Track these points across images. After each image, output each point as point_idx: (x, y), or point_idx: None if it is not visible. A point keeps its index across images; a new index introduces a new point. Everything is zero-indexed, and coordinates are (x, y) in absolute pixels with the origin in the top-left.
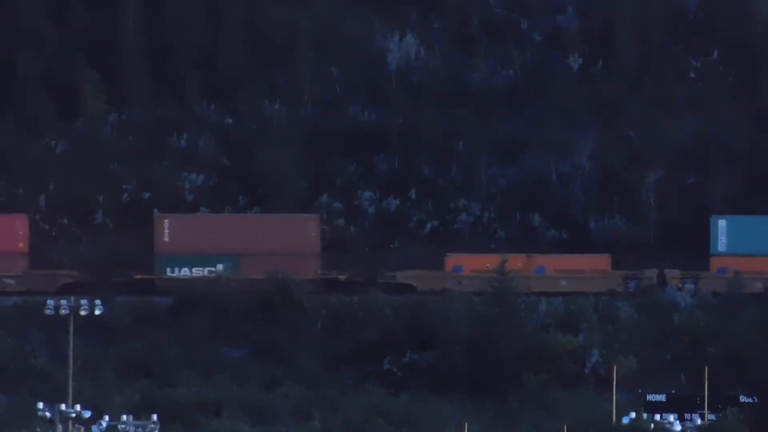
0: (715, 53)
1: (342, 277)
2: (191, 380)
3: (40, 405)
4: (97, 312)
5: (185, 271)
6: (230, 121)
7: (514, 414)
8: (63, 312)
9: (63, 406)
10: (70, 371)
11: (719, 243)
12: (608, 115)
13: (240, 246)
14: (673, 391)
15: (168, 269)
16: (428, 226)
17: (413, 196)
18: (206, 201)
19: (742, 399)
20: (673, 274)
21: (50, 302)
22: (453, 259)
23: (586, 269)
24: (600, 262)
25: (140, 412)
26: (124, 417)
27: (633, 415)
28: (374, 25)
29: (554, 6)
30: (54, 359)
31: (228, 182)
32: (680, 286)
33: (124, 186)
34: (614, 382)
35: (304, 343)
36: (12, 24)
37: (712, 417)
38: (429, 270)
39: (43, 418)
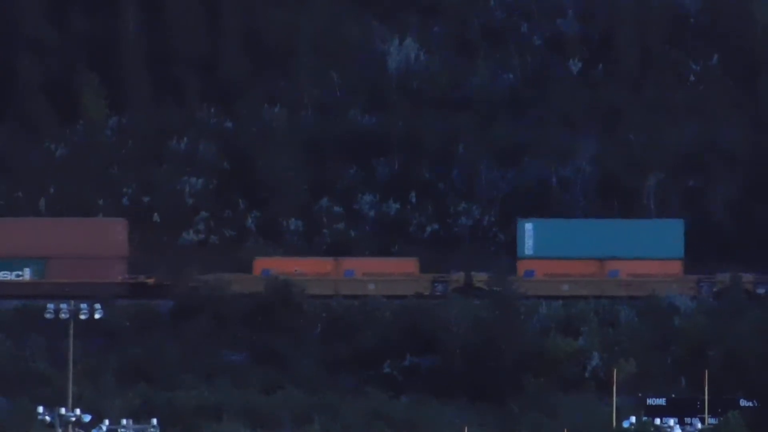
0: (715, 57)
1: (150, 281)
2: (191, 384)
3: (40, 409)
4: (96, 316)
5: None
6: (230, 125)
7: (515, 418)
8: (63, 316)
9: (63, 410)
10: (70, 375)
11: (526, 246)
12: (608, 119)
13: (47, 250)
14: (674, 395)
15: None
16: (428, 229)
17: (413, 200)
18: (206, 205)
19: (743, 403)
20: (479, 276)
21: (50, 306)
22: (262, 263)
23: (394, 272)
24: (408, 265)
25: (140, 416)
26: (124, 421)
27: (633, 419)
28: (374, 30)
29: (554, 10)
30: (54, 363)
31: (228, 186)
32: (488, 288)
33: (124, 190)
34: (614, 386)
35: (304, 347)
36: (13, 28)
37: (712, 421)
38: (237, 273)
39: (43, 422)
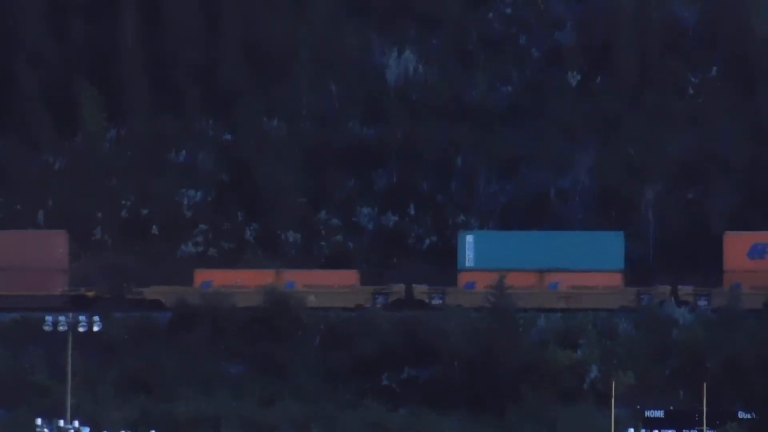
0: (714, 69)
1: (90, 294)
2: (190, 396)
3: (39, 421)
4: (95, 328)
5: None
6: (229, 136)
7: (513, 429)
8: (61, 328)
9: (61, 422)
10: (69, 387)
11: (467, 258)
12: (607, 130)
13: None
14: (672, 407)
15: None
16: (427, 242)
17: (412, 212)
18: (205, 217)
19: (741, 415)
20: (420, 288)
21: (49, 318)
22: (202, 274)
23: (335, 284)
24: (349, 277)
25: (139, 428)
26: None
27: (631, 430)
28: (373, 41)
29: (553, 22)
30: (53, 375)
31: (227, 198)
32: (427, 300)
33: (123, 202)
34: (613, 398)
35: (302, 359)
36: (12, 40)
37: None
38: (177, 286)
39: None
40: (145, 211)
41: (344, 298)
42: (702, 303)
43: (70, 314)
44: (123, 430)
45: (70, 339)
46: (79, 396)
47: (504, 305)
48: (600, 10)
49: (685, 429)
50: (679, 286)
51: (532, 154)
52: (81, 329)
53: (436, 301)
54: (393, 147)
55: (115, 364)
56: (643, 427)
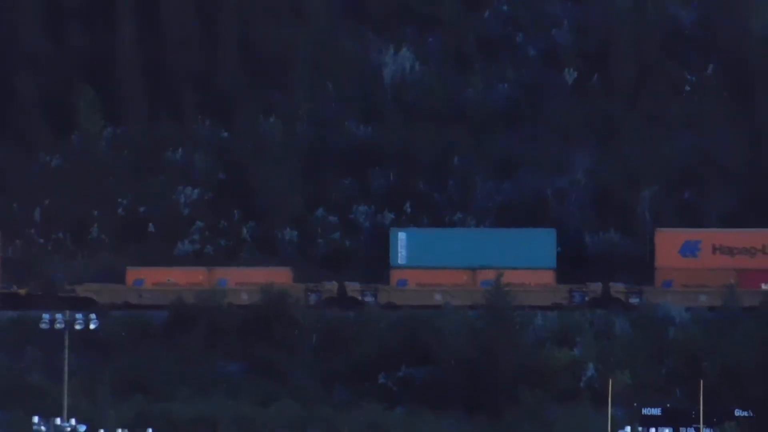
0: (711, 69)
1: (22, 292)
2: (187, 396)
3: (36, 420)
4: (92, 326)
5: None
6: (226, 135)
7: (510, 429)
8: (58, 326)
9: (58, 421)
10: (65, 386)
11: (399, 256)
12: (604, 131)
13: None
14: (669, 405)
15: None
16: None
17: (408, 210)
18: (202, 215)
19: (738, 413)
20: (352, 286)
21: (46, 316)
22: (134, 273)
23: (267, 282)
24: (281, 275)
25: (136, 428)
26: None
27: (628, 429)
28: (370, 42)
29: (550, 22)
30: (49, 375)
31: (223, 197)
32: (360, 298)
33: (120, 200)
34: (609, 397)
35: (299, 359)
36: (9, 41)
37: (708, 431)
38: (109, 283)
39: None
40: (141, 209)
41: None
42: (633, 300)
43: (67, 312)
44: (119, 429)
45: (66, 338)
46: (76, 396)
47: (501, 304)
48: (596, 10)
49: (682, 427)
50: (611, 284)
51: (528, 155)
52: (77, 327)
53: (368, 299)
54: (389, 146)
55: (112, 363)
56: (640, 425)
